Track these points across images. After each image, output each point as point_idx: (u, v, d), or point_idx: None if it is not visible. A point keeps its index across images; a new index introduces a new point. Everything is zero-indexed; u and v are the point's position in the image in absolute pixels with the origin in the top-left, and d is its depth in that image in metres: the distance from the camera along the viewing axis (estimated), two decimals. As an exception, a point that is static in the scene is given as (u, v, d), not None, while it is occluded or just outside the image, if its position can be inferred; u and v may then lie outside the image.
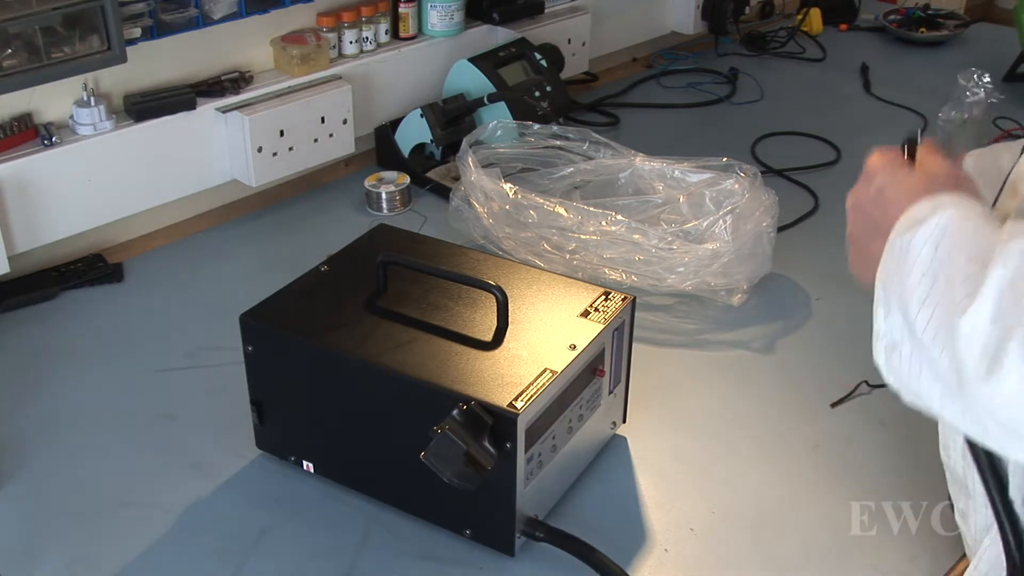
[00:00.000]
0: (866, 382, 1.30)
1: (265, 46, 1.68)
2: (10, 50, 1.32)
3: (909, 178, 0.81)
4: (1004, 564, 0.83)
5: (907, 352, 0.74)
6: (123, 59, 1.41)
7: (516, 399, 0.98)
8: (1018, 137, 1.77)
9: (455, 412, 0.96)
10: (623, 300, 1.14)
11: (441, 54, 1.87)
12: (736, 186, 1.51)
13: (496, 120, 1.70)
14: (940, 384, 0.71)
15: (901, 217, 0.77)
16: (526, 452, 1.00)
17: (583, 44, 2.09)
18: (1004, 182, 0.89)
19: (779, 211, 1.48)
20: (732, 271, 1.43)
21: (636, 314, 1.17)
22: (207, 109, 1.58)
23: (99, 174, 1.49)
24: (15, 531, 1.08)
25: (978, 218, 0.74)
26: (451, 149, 1.75)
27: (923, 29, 2.47)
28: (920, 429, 1.02)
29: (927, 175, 0.80)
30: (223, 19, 1.56)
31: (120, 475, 1.16)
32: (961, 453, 0.92)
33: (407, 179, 1.71)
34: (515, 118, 1.75)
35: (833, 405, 1.28)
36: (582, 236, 1.46)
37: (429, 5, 1.84)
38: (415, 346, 1.06)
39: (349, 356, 1.05)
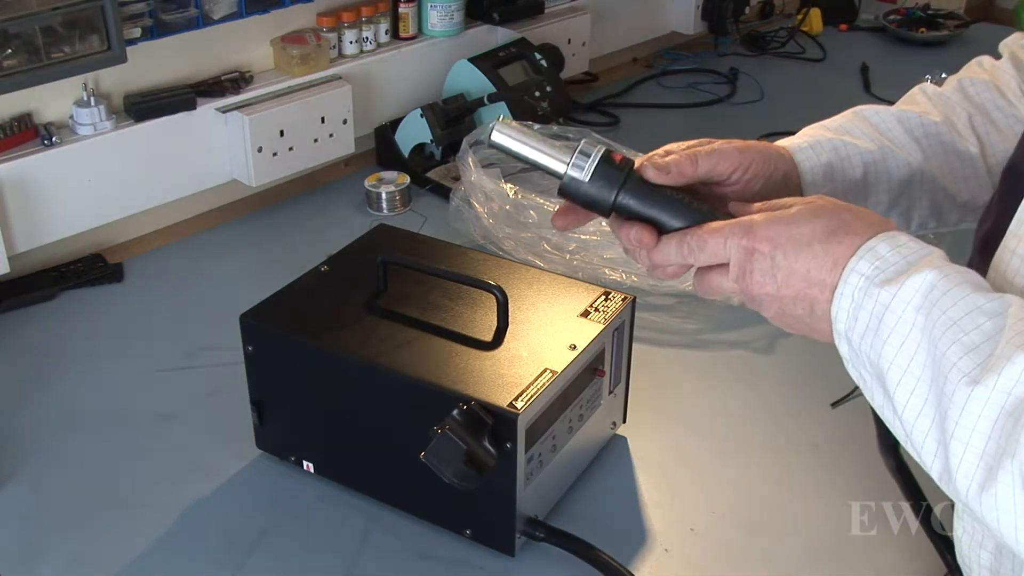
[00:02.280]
0: (866, 382, 1.30)
1: (265, 46, 1.68)
2: (10, 50, 1.32)
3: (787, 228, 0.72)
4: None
5: (889, 416, 0.69)
6: (123, 59, 1.41)
7: (516, 399, 0.98)
8: None
9: (455, 412, 0.96)
10: (623, 300, 1.14)
11: (441, 54, 1.87)
12: (736, 186, 1.50)
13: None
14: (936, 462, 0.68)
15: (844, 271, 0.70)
16: (526, 452, 1.00)
17: (583, 44, 2.09)
18: None
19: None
20: (732, 271, 1.43)
21: (636, 314, 1.17)
22: (207, 109, 1.58)
23: (99, 174, 1.49)
24: (15, 531, 1.08)
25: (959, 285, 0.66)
26: (451, 149, 1.75)
27: (923, 29, 2.47)
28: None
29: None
30: (223, 19, 1.56)
31: (120, 475, 1.16)
32: None
33: (407, 179, 1.70)
34: (515, 118, 1.75)
35: (833, 405, 1.28)
36: (582, 236, 1.46)
37: (429, 5, 1.84)
38: (415, 346, 1.06)
39: (349, 356, 1.05)
